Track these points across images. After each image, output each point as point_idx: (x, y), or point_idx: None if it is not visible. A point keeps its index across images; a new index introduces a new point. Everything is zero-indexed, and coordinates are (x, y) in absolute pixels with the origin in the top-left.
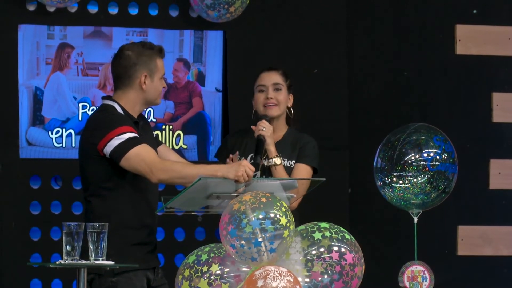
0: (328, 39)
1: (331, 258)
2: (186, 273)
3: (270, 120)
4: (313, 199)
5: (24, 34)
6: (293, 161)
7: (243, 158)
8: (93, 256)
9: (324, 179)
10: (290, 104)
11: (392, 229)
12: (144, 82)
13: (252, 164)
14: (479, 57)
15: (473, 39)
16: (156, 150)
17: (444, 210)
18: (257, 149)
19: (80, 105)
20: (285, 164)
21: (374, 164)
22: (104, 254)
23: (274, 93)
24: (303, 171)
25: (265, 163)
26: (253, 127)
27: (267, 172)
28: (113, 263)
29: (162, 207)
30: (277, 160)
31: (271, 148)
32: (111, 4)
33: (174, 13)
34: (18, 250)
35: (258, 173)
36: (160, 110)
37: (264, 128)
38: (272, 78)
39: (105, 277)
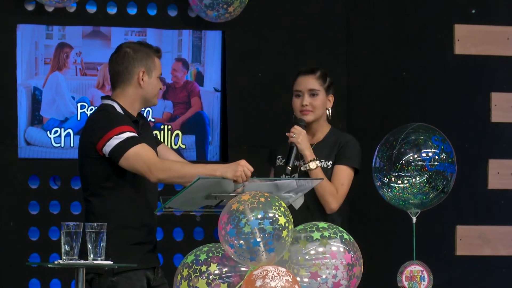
0: (327, 39)
1: (329, 258)
2: (185, 273)
3: (307, 123)
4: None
5: (23, 34)
6: (330, 162)
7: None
8: (91, 256)
9: (323, 179)
10: (329, 105)
11: (390, 229)
12: (142, 79)
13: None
14: (477, 57)
15: (472, 39)
16: (155, 150)
17: (443, 210)
18: (288, 156)
19: (79, 105)
20: (322, 165)
21: (373, 164)
22: (102, 254)
23: (310, 99)
24: (343, 172)
25: (302, 168)
26: (287, 133)
27: (305, 177)
28: (112, 262)
29: (161, 207)
30: (312, 165)
31: (306, 153)
32: (110, 4)
33: (172, 13)
34: (16, 250)
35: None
36: (158, 110)
37: (294, 135)
38: (308, 83)
39: (105, 276)
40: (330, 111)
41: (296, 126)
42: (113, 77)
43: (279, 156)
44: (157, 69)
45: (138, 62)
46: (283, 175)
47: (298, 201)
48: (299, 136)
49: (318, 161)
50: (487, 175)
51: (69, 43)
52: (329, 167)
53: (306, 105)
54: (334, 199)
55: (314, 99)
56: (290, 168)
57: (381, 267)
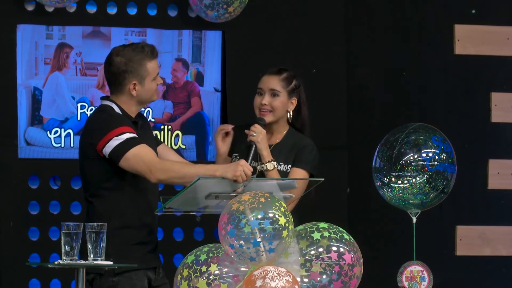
0: (326, 39)
1: (330, 258)
2: (185, 273)
3: (266, 124)
4: (312, 199)
5: (23, 34)
6: (289, 166)
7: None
8: (91, 256)
9: (323, 179)
10: (291, 108)
11: (390, 229)
12: (134, 89)
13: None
14: (477, 57)
15: (471, 39)
16: (155, 150)
17: (443, 210)
18: (247, 155)
19: (79, 105)
20: (281, 169)
21: (373, 164)
22: (103, 254)
23: (270, 99)
24: (298, 175)
25: (258, 167)
26: (246, 131)
27: (261, 176)
28: (112, 263)
29: (161, 207)
30: (269, 166)
31: (264, 153)
32: (110, 4)
33: (173, 13)
34: (16, 250)
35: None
36: (158, 110)
37: (255, 134)
38: (270, 83)
39: (106, 276)
40: (291, 113)
41: (256, 125)
42: (107, 82)
43: (235, 154)
44: (151, 73)
45: (129, 74)
46: None
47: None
48: (259, 135)
49: (275, 162)
50: (487, 175)
51: (69, 43)
52: (288, 171)
53: (265, 104)
54: (288, 201)
55: (274, 99)
56: (256, 167)
57: (381, 267)
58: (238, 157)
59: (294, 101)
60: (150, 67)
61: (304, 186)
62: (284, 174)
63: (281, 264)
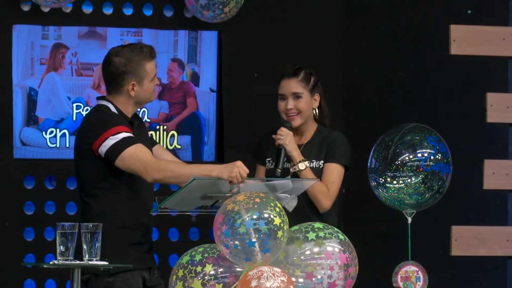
0: (323, 39)
1: (325, 258)
2: (180, 273)
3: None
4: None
5: (19, 34)
6: (321, 162)
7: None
8: (87, 256)
9: (318, 179)
10: (315, 105)
11: (386, 229)
12: (133, 89)
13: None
14: (473, 57)
15: (467, 39)
16: (151, 150)
17: (438, 210)
18: (276, 159)
19: (75, 105)
20: (314, 166)
21: (368, 164)
22: (98, 255)
23: (294, 102)
24: (334, 170)
25: (291, 169)
26: (273, 136)
27: (296, 178)
28: (107, 263)
29: (156, 207)
30: (301, 166)
31: (294, 154)
32: (106, 4)
33: (168, 13)
34: (11, 250)
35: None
36: (154, 110)
37: (281, 137)
38: (291, 87)
39: (101, 277)
40: (317, 110)
41: (282, 128)
42: (104, 82)
43: (269, 159)
44: (150, 74)
45: (128, 75)
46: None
47: (291, 203)
48: (286, 138)
49: (307, 162)
50: (482, 175)
51: (65, 43)
52: (321, 166)
53: (290, 108)
54: (326, 197)
55: (298, 101)
56: (280, 170)
57: (376, 267)
58: (271, 162)
59: (317, 97)
60: (149, 68)
61: (339, 183)
62: (317, 171)
63: (276, 264)
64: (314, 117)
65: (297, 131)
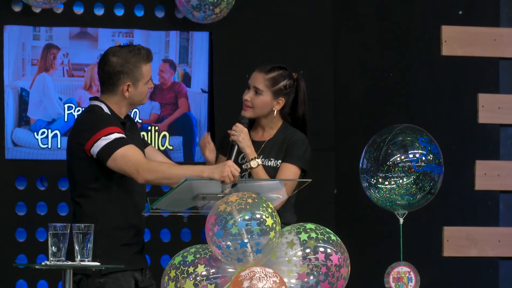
0: (313, 40)
1: (317, 259)
2: (172, 274)
3: (256, 119)
4: (299, 200)
5: (10, 35)
6: (279, 161)
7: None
8: (79, 257)
9: (310, 180)
10: (277, 107)
11: (377, 230)
12: (127, 90)
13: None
14: (464, 58)
15: (458, 40)
16: (143, 151)
17: (430, 211)
18: (229, 154)
19: (66, 106)
20: (272, 164)
21: (360, 165)
22: (90, 255)
23: (252, 95)
24: (288, 171)
25: (243, 166)
26: (229, 130)
27: (249, 175)
28: (99, 264)
29: (148, 208)
30: (253, 163)
31: (247, 151)
32: (97, 5)
33: (160, 14)
34: (3, 251)
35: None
36: (146, 111)
37: (235, 133)
38: (256, 80)
39: (93, 278)
40: (276, 113)
41: (237, 124)
42: (99, 81)
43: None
44: (145, 77)
45: (124, 75)
46: None
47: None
48: (240, 134)
49: (259, 160)
50: (474, 176)
51: (56, 44)
52: (278, 166)
53: (246, 100)
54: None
55: (256, 96)
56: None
57: (368, 268)
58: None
59: (281, 101)
60: (145, 70)
61: (293, 186)
62: (275, 170)
63: (268, 265)
64: (282, 116)
65: (258, 126)
